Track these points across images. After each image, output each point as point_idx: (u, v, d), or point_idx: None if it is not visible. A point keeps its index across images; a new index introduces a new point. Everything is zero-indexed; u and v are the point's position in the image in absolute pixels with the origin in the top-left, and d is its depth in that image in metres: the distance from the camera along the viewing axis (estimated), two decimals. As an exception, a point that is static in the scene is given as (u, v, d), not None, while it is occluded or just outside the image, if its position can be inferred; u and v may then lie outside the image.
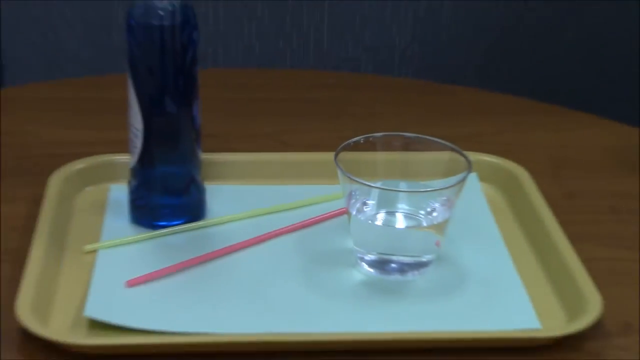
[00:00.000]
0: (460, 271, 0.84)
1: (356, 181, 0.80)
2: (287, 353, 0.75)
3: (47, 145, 1.05)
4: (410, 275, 0.83)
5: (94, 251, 0.85)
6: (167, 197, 0.88)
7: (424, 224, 0.83)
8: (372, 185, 0.81)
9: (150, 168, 0.87)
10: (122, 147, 0.90)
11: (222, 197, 0.92)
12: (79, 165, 0.95)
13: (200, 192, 0.90)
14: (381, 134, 0.86)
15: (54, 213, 0.88)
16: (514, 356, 0.76)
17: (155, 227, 0.88)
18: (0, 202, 0.93)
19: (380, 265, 0.83)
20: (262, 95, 1.19)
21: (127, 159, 0.88)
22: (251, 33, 1.86)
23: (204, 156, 0.89)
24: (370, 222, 0.83)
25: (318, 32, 1.87)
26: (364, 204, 0.83)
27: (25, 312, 0.75)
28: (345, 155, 0.82)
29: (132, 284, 0.80)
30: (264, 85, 1.23)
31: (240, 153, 0.99)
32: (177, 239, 0.87)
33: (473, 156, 0.85)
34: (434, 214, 0.82)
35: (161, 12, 0.82)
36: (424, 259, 0.83)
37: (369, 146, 0.85)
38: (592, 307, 0.78)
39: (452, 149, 0.84)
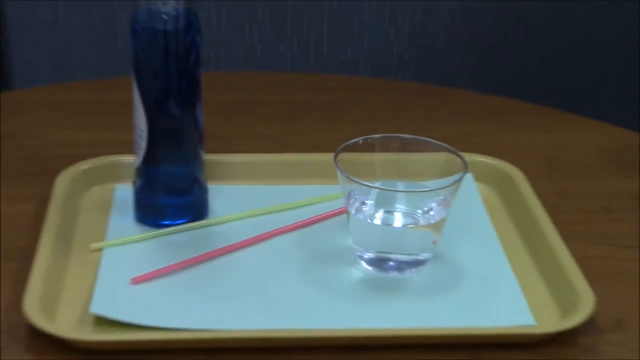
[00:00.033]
0: (456, 269, 0.84)
1: (355, 181, 0.80)
2: (288, 349, 0.75)
3: (55, 146, 1.05)
4: (408, 273, 0.83)
5: (100, 249, 0.85)
6: (170, 196, 0.88)
7: (421, 223, 0.83)
8: (371, 185, 0.81)
9: (155, 168, 0.87)
10: (127, 148, 0.90)
11: (224, 196, 0.92)
12: (85, 165, 0.95)
13: (203, 192, 0.90)
14: (379, 135, 0.86)
15: (61, 212, 0.88)
16: (509, 352, 0.76)
17: (160, 226, 0.88)
18: (9, 201, 0.93)
19: (379, 263, 0.83)
20: (264, 97, 1.19)
21: (132, 160, 0.89)
22: (253, 37, 1.85)
23: (207, 157, 0.89)
24: (368, 221, 0.83)
25: (318, 36, 1.86)
26: (363, 203, 0.83)
27: (33, 309, 0.75)
28: (345, 156, 0.83)
29: (137, 281, 0.80)
30: (265, 88, 1.22)
31: (242, 154, 0.99)
32: (180, 238, 0.87)
33: (469, 157, 0.84)
34: (431, 213, 0.83)
35: (165, 17, 0.82)
36: (421, 257, 0.83)
37: (368, 147, 0.85)
38: (585, 304, 0.78)
39: (449, 150, 0.84)
